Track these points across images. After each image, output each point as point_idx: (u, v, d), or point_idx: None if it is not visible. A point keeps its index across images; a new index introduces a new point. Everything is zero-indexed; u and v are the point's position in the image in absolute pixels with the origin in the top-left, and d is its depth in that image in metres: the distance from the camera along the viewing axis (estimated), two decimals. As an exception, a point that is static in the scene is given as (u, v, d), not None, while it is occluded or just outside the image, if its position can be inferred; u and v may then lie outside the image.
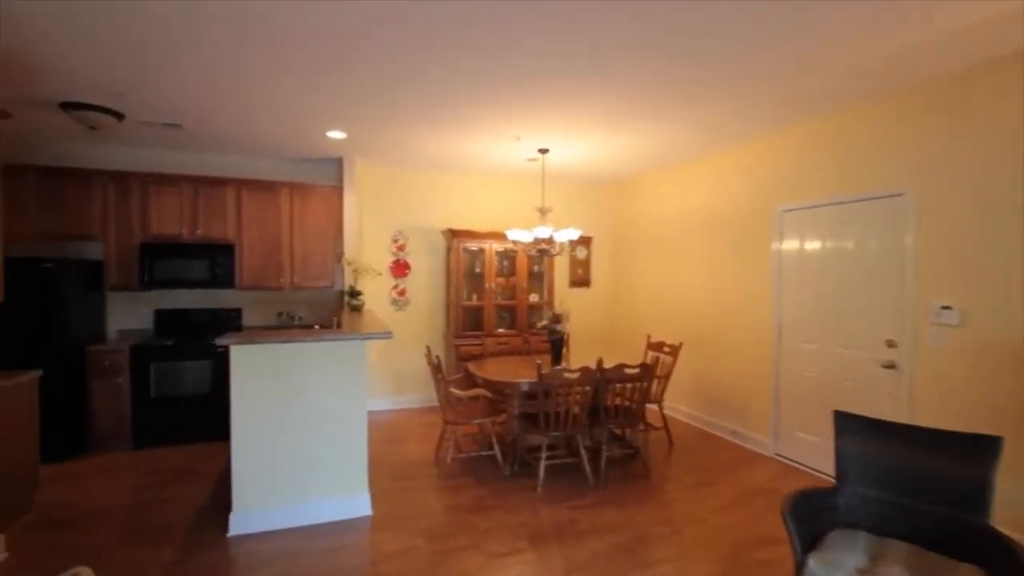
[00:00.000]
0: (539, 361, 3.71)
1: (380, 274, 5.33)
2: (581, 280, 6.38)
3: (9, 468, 2.97)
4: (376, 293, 5.36)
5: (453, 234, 5.36)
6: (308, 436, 3.00)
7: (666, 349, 4.51)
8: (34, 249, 4.47)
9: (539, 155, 4.82)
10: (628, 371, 3.53)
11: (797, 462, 3.96)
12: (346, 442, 3.08)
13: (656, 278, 5.69)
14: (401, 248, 5.61)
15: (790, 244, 4.04)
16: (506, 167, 5.43)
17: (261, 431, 2.91)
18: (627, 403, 3.71)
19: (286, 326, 5.07)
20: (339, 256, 5.04)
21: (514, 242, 4.65)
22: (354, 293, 4.78)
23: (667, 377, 4.29)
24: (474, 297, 5.55)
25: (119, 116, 3.75)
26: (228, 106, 3.64)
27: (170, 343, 4.44)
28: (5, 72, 3.03)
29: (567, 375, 3.35)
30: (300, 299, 5.24)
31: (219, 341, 2.78)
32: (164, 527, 3.00)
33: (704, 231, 4.97)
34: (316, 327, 4.47)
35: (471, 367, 4.14)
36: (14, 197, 4.23)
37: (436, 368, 3.69)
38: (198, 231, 4.67)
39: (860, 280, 3.50)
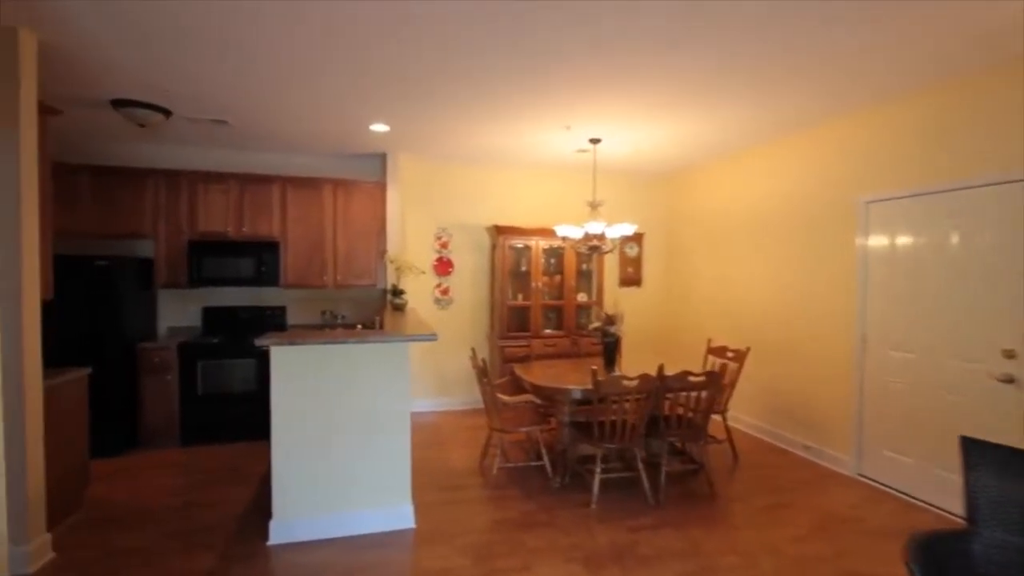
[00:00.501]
0: (593, 367, 3.44)
1: (423, 272, 5.18)
2: (631, 279, 6.04)
3: (60, 466, 2.95)
4: (419, 292, 5.21)
5: (498, 231, 5.15)
6: (350, 442, 2.85)
7: (729, 354, 4.13)
8: (89, 247, 4.57)
9: (590, 146, 4.53)
10: (693, 379, 3.21)
11: (885, 485, 3.51)
12: (389, 449, 2.91)
13: (714, 277, 5.28)
14: (444, 245, 5.44)
15: (877, 239, 3.59)
16: (554, 160, 5.17)
17: (302, 436, 2.78)
18: (690, 414, 3.38)
19: (329, 325, 4.99)
20: (382, 254, 4.92)
21: (563, 239, 4.38)
22: (397, 292, 4.64)
23: (732, 385, 3.92)
24: (520, 296, 5.31)
25: (167, 113, 3.74)
26: (272, 101, 3.56)
27: (216, 341, 4.43)
28: (59, 71, 3.03)
29: (625, 383, 3.06)
30: (343, 297, 5.15)
31: (259, 342, 2.66)
32: (206, 530, 2.92)
33: (769, 225, 4.55)
34: (359, 327, 4.36)
35: (518, 370, 3.91)
36: (70, 196, 4.31)
37: (482, 372, 3.48)
38: (244, 228, 4.64)
39: (967, 280, 3.04)
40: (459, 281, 5.50)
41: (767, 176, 4.62)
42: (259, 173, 4.71)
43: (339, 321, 5.06)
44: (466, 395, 5.51)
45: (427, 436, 4.62)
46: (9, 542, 2.50)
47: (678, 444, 3.68)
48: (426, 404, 5.42)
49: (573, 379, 3.61)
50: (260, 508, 3.11)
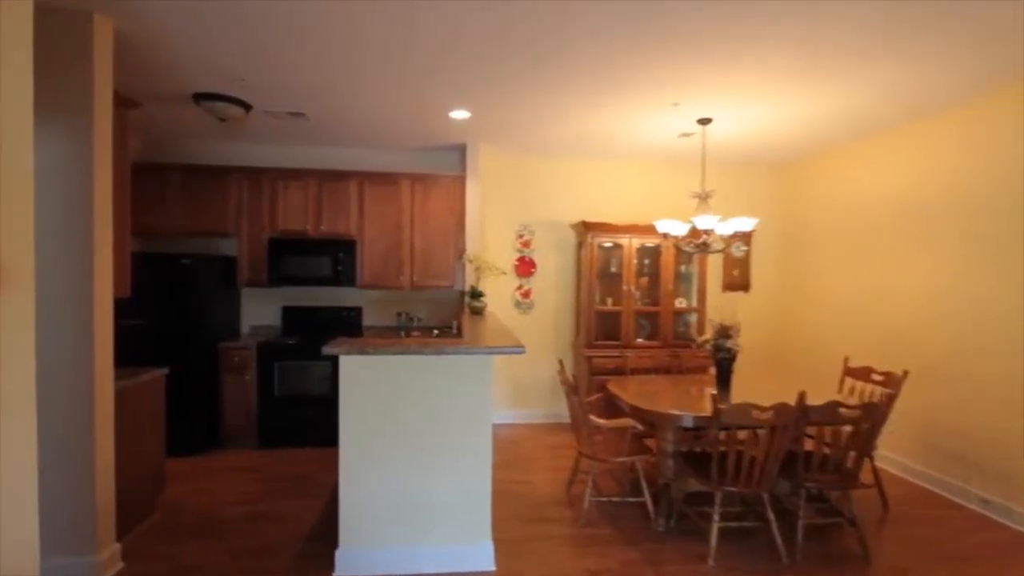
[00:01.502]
0: (710, 390, 2.84)
1: (504, 273, 4.79)
2: (737, 283, 5.28)
3: (134, 471, 2.85)
4: (498, 294, 4.82)
5: (586, 227, 4.63)
6: (424, 466, 2.48)
7: (876, 377, 3.35)
8: (178, 245, 4.62)
9: (697, 128, 3.90)
10: (845, 412, 2.52)
11: (1119, 565, 2.61)
12: (468, 477, 2.50)
13: (845, 280, 4.43)
14: (526, 244, 5.02)
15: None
16: (651, 148, 4.58)
17: (371, 457, 2.45)
18: (837, 454, 2.68)
19: (404, 328, 4.74)
20: (460, 253, 4.58)
21: (664, 235, 3.79)
22: (476, 294, 4.27)
23: (884, 418, 3.14)
24: (609, 301, 4.76)
25: (247, 107, 3.62)
26: (350, 90, 3.33)
27: (293, 342, 4.29)
28: (137, 64, 2.95)
29: (757, 413, 2.45)
30: (419, 299, 4.89)
31: (327, 350, 2.35)
32: (271, 552, 2.68)
33: (924, 218, 3.67)
34: (435, 332, 4.03)
35: (612, 388, 3.38)
36: (160, 195, 4.36)
37: (572, 389, 2.99)
38: (322, 226, 4.49)
39: None
40: (541, 283, 5.06)
41: (920, 159, 3.74)
42: (337, 169, 4.55)
43: (414, 324, 4.79)
44: (547, 407, 5.05)
45: (506, 454, 4.20)
46: (76, 553, 2.37)
47: (817, 489, 2.97)
48: (503, 416, 5.02)
49: (678, 402, 3.03)
50: (327, 531, 2.83)
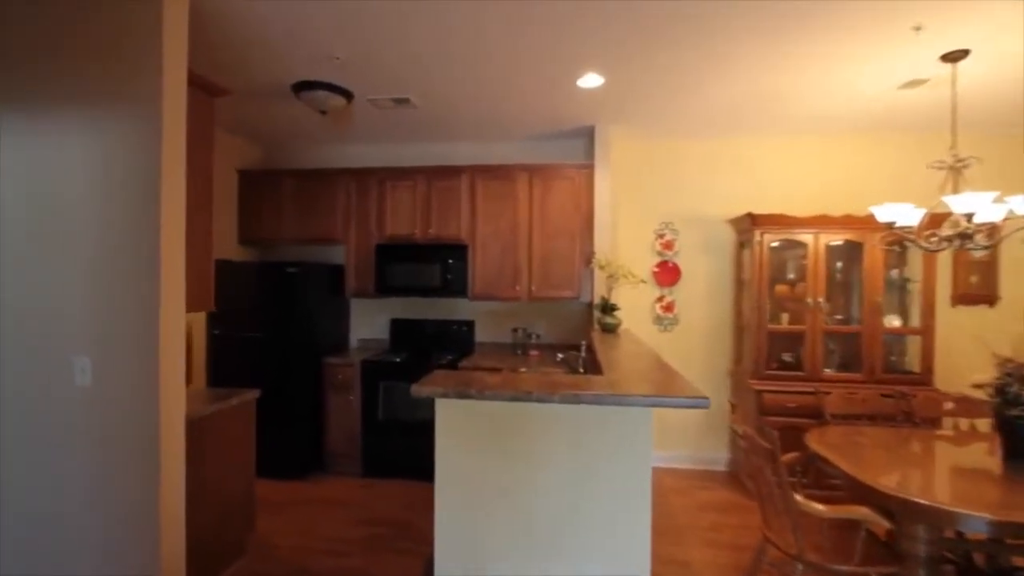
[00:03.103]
0: (994, 466, 1.71)
1: (644, 282, 3.89)
2: (976, 295, 3.78)
3: (216, 509, 2.48)
4: (632, 307, 3.92)
5: (753, 222, 3.55)
6: (549, 555, 1.72)
7: None
8: (291, 254, 4.44)
9: (940, 69, 2.69)
10: None
11: None
12: (612, 566, 1.69)
13: None
14: (668, 246, 4.07)
15: None
16: (849, 111, 3.39)
17: (475, 533, 1.74)
18: None
19: (522, 345, 4.05)
20: (588, 258, 3.79)
21: (889, 226, 2.63)
22: (608, 307, 3.44)
23: None
24: (784, 318, 3.62)
25: (348, 95, 3.20)
26: (461, 64, 2.74)
27: (399, 359, 3.82)
28: (236, 57, 2.64)
29: None
30: (538, 312, 4.17)
31: (418, 390, 1.70)
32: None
33: None
34: (559, 356, 3.27)
35: (817, 446, 2.32)
36: (274, 202, 4.19)
37: (770, 455, 2.01)
38: (430, 230, 3.99)
39: None
40: (688, 294, 4.06)
41: None
42: (446, 165, 4.02)
43: (532, 341, 4.08)
44: (694, 449, 4.02)
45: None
46: (138, 617, 1.99)
47: None
48: (640, 456, 4.09)
49: (949, 485, 1.91)
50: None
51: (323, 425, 3.90)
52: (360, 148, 4.45)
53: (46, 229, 2.05)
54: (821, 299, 3.48)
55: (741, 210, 3.84)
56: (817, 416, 3.20)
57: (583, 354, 3.16)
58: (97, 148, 2.02)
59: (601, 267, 3.52)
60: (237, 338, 3.80)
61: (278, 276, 3.74)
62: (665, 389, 1.59)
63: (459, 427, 1.74)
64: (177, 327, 2.07)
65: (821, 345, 3.50)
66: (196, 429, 2.32)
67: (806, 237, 3.50)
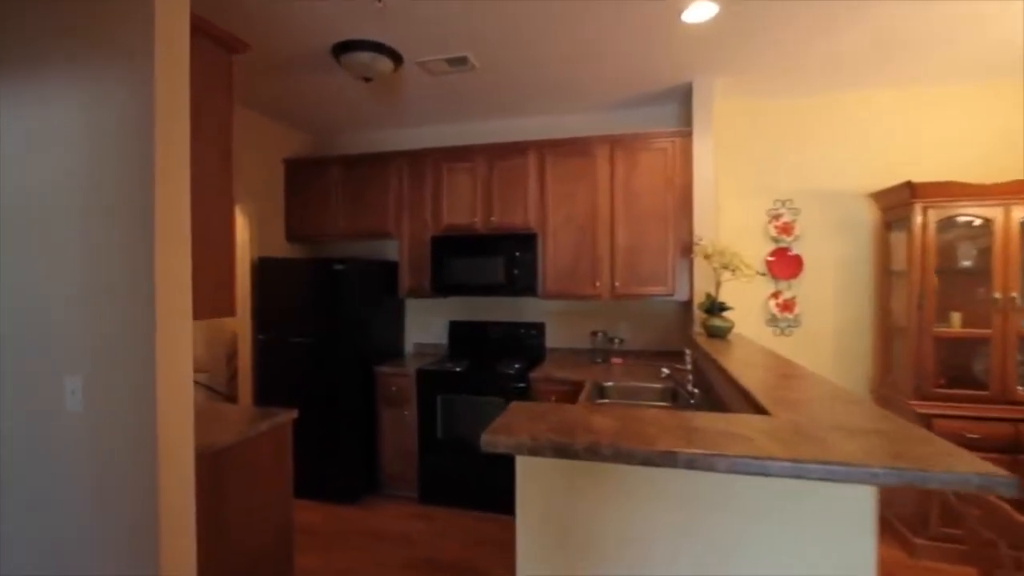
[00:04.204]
0: None
1: (761, 274, 3.14)
2: None
3: (253, 553, 2.04)
4: (738, 305, 3.15)
5: (913, 193, 2.70)
6: None
7: None
8: (341, 250, 4.03)
9: None
10: None
11: None
12: None
13: None
14: (786, 230, 3.27)
15: None
16: (1054, 36, 2.48)
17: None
18: None
19: (602, 352, 3.40)
20: (686, 246, 3.08)
21: None
22: (717, 307, 2.74)
23: None
24: (955, 318, 2.75)
25: (395, 58, 2.69)
26: (529, 4, 2.13)
27: (458, 369, 3.29)
28: (266, 12, 2.17)
29: None
30: (622, 312, 3.51)
31: (490, 441, 1.11)
32: None
33: None
34: (664, 372, 2.58)
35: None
36: (321, 193, 3.79)
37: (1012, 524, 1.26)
38: (492, 218, 3.43)
39: None
40: (812, 288, 3.25)
41: None
42: (510, 141, 3.44)
43: (615, 346, 3.42)
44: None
45: None
46: None
47: None
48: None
49: None
50: None
51: (376, 442, 3.45)
52: (412, 132, 3.96)
53: (21, 220, 1.66)
54: (1015, 294, 2.58)
55: (885, 181, 3.00)
56: (1013, 451, 2.37)
57: (689, 366, 2.47)
58: (81, 116, 1.59)
59: (706, 256, 2.81)
60: (282, 344, 3.42)
61: (324, 274, 3.32)
62: (921, 461, 0.91)
63: (553, 496, 1.14)
64: (179, 338, 1.61)
65: (1014, 355, 2.61)
66: (216, 462, 1.88)
67: (993, 211, 2.62)
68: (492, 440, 1.09)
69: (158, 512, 1.53)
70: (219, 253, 1.90)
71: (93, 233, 1.58)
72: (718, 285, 2.80)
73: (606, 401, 2.44)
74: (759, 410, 1.29)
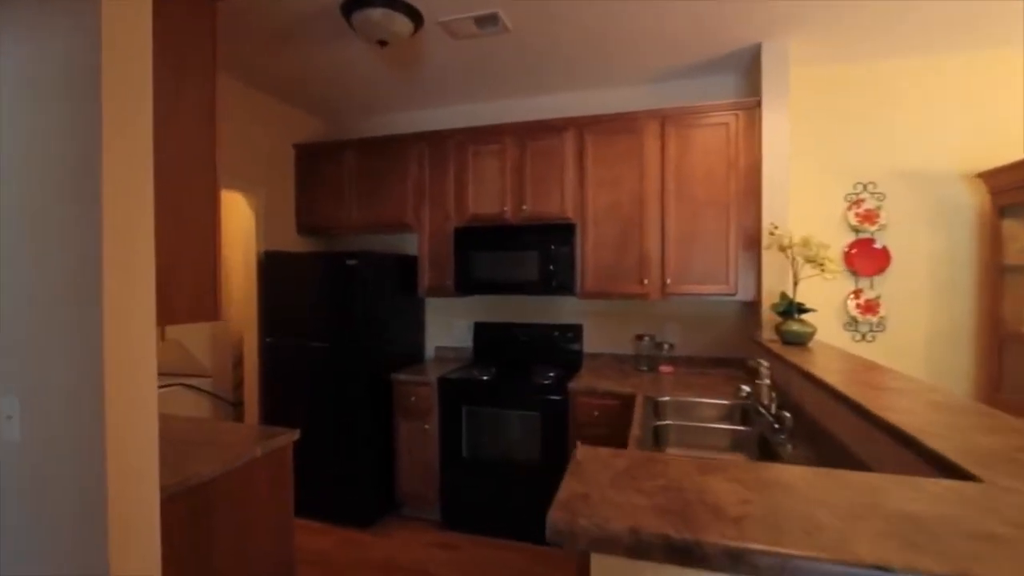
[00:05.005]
0: None
1: (852, 272, 2.68)
2: None
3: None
4: (812, 305, 2.68)
5: (1042, 170, 2.22)
6: None
7: None
8: (358, 244, 3.69)
9: None
10: None
11: None
12: None
13: None
14: (868, 218, 2.80)
15: None
16: None
17: None
18: None
19: (648, 358, 2.98)
20: (749, 237, 2.64)
21: None
22: (795, 308, 2.29)
23: None
24: (1094, 324, 2.25)
25: (414, 16, 2.30)
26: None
27: (485, 377, 2.91)
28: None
29: None
30: (669, 313, 3.08)
31: (560, 530, 0.71)
32: None
33: None
34: (744, 391, 2.13)
35: None
36: (335, 181, 3.44)
37: None
38: (524, 207, 3.03)
39: None
40: (901, 286, 2.77)
41: None
42: (544, 119, 3.03)
43: (663, 352, 3.00)
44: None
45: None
46: None
47: None
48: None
49: None
50: None
51: (394, 458, 3.09)
52: (433, 113, 3.59)
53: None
54: None
55: (995, 158, 2.50)
56: None
57: (767, 380, 2.04)
58: (9, 62, 1.24)
59: (782, 248, 2.36)
60: (291, 347, 3.08)
61: (335, 270, 2.96)
62: None
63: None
64: (137, 348, 1.25)
65: None
66: (199, 498, 1.55)
67: None
68: (564, 526, 0.69)
69: (109, 567, 1.17)
70: (199, 244, 1.55)
71: (30, 216, 1.23)
72: (795, 283, 2.35)
73: (668, 423, 2.02)
74: (946, 470, 0.86)
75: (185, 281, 1.49)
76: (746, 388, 1.92)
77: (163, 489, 1.39)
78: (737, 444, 1.93)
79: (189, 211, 1.51)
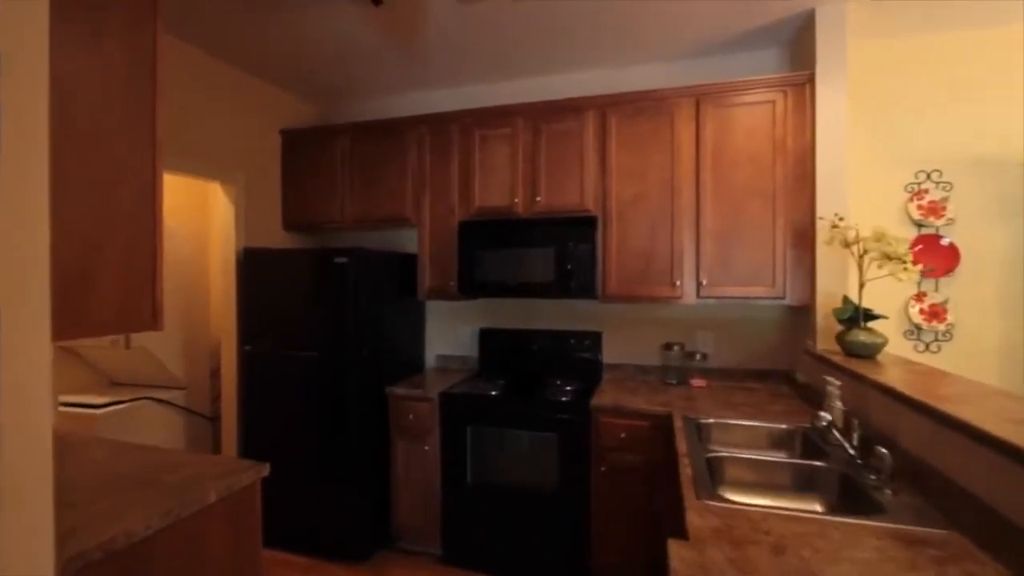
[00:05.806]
0: None
1: (928, 270, 2.32)
2: None
3: None
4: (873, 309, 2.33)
5: None
6: None
7: None
8: (352, 241, 3.34)
9: None
10: None
11: None
12: None
13: None
14: (933, 211, 2.44)
15: None
16: None
17: None
18: None
19: (678, 369, 2.63)
20: (800, 231, 2.29)
21: None
22: (861, 315, 1.94)
23: None
24: None
25: (414, -29, 1.96)
26: None
27: (493, 392, 2.55)
28: None
29: None
30: (701, 319, 2.72)
31: None
32: None
33: None
34: (823, 419, 1.76)
35: None
36: (327, 172, 3.10)
37: None
38: (538, 198, 2.68)
39: None
40: (971, 289, 2.41)
41: None
42: (560, 99, 2.67)
43: (695, 363, 2.64)
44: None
45: None
46: None
47: None
48: None
49: None
50: None
51: (389, 484, 2.73)
52: (435, 95, 3.24)
53: None
54: None
55: (1093, 139, 2.15)
56: None
57: (839, 403, 1.69)
58: None
59: (846, 244, 2.00)
60: (272, 357, 2.72)
61: (322, 269, 2.61)
62: None
63: None
64: (22, 369, 0.89)
65: None
66: (131, 564, 1.18)
67: None
68: None
69: None
70: (132, 236, 1.19)
71: None
72: (861, 285, 2.00)
73: (719, 454, 1.66)
74: None
75: (110, 283, 1.14)
76: (826, 416, 1.55)
77: (76, 558, 1.04)
78: (807, 482, 1.57)
79: (118, 195, 1.16)
